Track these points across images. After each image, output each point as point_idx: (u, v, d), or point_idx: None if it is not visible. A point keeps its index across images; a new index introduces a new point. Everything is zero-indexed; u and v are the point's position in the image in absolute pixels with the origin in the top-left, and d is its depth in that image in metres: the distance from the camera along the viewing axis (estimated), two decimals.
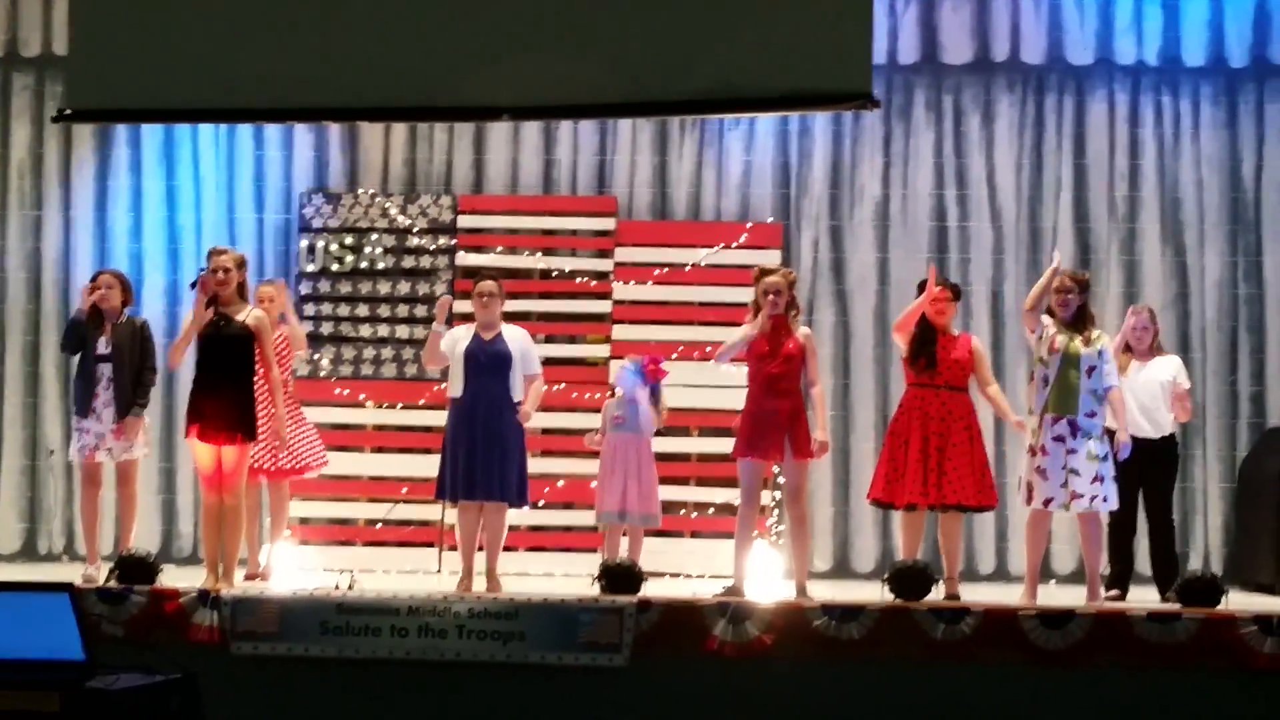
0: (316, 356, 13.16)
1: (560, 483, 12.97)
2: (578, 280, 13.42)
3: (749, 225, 13.39)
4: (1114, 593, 11.24)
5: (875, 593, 10.35)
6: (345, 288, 13.50)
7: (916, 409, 10.80)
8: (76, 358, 11.34)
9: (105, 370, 11.19)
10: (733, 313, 12.50)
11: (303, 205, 13.59)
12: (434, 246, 13.48)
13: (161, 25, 11.42)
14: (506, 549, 11.36)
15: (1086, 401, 10.49)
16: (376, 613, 10.05)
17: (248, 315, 10.77)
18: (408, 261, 13.49)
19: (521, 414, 10.87)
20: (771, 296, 10.73)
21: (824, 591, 10.83)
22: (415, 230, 13.48)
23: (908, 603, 10.08)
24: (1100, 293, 12.88)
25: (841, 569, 13.19)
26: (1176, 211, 13.35)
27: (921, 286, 11.01)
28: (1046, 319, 10.77)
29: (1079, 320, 10.64)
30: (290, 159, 13.78)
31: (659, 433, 11.60)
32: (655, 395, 11.42)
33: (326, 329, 13.44)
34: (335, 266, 13.49)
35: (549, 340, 13.13)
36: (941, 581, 10.57)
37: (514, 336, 11.06)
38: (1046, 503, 10.52)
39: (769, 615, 9.98)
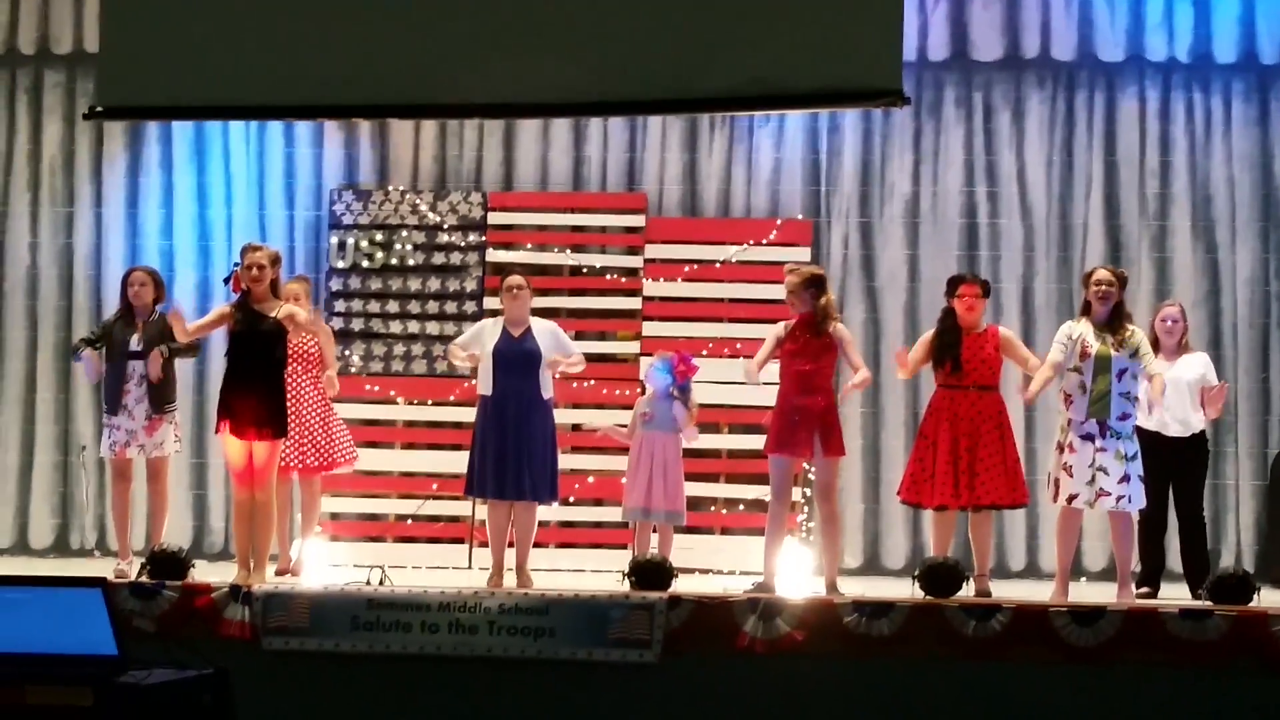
0: (347, 353, 13.18)
1: (590, 479, 12.98)
2: (608, 277, 13.43)
3: (779, 222, 13.38)
4: (1145, 590, 11.22)
5: (906, 589, 10.35)
6: (375, 284, 13.52)
7: (945, 409, 10.77)
8: (106, 354, 11.39)
9: (137, 367, 11.25)
10: (763, 309, 12.55)
11: (333, 202, 13.62)
12: (464, 243, 13.50)
13: (192, 22, 11.43)
14: (537, 545, 11.39)
15: (1118, 404, 10.47)
16: (407, 608, 10.06)
17: (279, 312, 10.80)
18: (438, 258, 13.51)
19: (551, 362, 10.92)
20: (790, 297, 10.78)
21: (854, 588, 10.82)
22: (445, 227, 13.50)
23: (938, 599, 10.07)
24: (1131, 290, 12.80)
25: (872, 565, 13.17)
26: (1208, 208, 13.31)
27: (952, 287, 10.98)
28: (1073, 324, 10.74)
29: (1114, 319, 10.61)
30: (321, 156, 13.81)
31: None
32: (685, 393, 11.41)
33: (357, 325, 13.47)
34: (365, 263, 13.51)
35: (579, 337, 13.13)
36: (972, 578, 10.55)
37: (542, 330, 11.08)
38: (1071, 499, 10.50)
39: (799, 612, 9.97)
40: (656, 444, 11.30)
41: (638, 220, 13.51)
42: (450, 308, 13.44)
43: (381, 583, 10.48)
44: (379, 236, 13.53)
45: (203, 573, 10.81)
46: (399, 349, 13.45)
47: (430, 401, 13.34)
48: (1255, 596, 10.09)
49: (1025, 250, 13.36)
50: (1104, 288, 10.63)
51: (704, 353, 12.58)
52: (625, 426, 11.59)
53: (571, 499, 12.75)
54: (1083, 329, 10.63)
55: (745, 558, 12.14)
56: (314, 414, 11.61)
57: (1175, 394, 11.22)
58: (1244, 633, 9.72)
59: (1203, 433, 11.41)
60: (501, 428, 10.85)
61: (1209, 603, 10.09)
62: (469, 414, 11.44)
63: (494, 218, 13.54)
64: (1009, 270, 13.30)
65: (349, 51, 11.18)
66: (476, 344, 11.07)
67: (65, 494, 13.74)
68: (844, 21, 10.81)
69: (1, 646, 7.33)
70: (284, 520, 11.62)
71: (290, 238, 13.70)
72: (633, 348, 13.28)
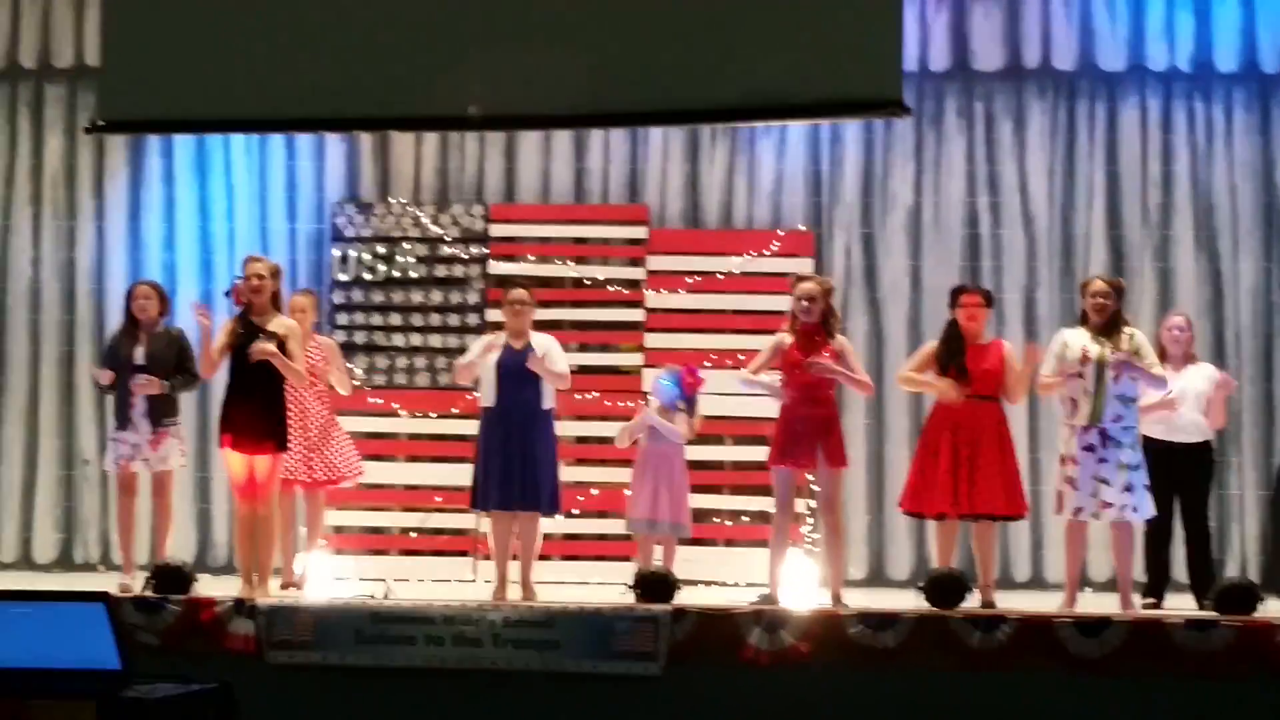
0: (349, 366, 13.14)
1: (594, 491, 12.95)
2: (610, 289, 13.42)
3: (781, 233, 13.37)
4: (1151, 600, 11.20)
5: (910, 601, 10.34)
6: (378, 297, 13.51)
7: (946, 419, 10.76)
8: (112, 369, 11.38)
9: (141, 381, 11.23)
10: (765, 320, 12.49)
11: (335, 215, 13.62)
12: (466, 256, 13.48)
13: (193, 36, 11.41)
14: (541, 557, 11.38)
15: (1113, 407, 10.47)
16: (411, 621, 10.07)
17: (279, 325, 10.79)
18: (440, 271, 13.50)
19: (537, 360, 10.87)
20: (805, 304, 10.74)
21: (859, 599, 10.82)
22: (447, 239, 13.49)
23: (943, 611, 10.07)
24: (1134, 300, 12.83)
25: (876, 577, 13.14)
26: (1210, 218, 13.29)
27: (954, 297, 10.96)
28: (1067, 331, 10.73)
29: (1111, 326, 10.61)
30: (322, 169, 13.80)
31: (692, 442, 11.59)
32: (691, 405, 11.41)
33: (359, 339, 13.46)
34: (368, 276, 13.50)
35: (582, 349, 13.14)
36: (976, 589, 10.54)
37: (541, 344, 11.08)
38: (1076, 512, 10.50)
39: (804, 623, 9.98)
40: (662, 456, 11.29)
41: (640, 232, 13.50)
42: (453, 320, 13.44)
43: (385, 596, 10.48)
44: (381, 249, 13.52)
45: (206, 587, 10.81)
46: (401, 362, 13.44)
47: (433, 414, 13.33)
48: (1260, 606, 10.08)
49: (1028, 260, 13.34)
50: (1099, 300, 10.65)
51: (707, 364, 12.56)
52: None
53: (576, 511, 12.73)
54: (1079, 338, 10.62)
55: (749, 570, 12.12)
56: (319, 428, 11.61)
57: (1183, 404, 11.22)
58: (1249, 643, 9.73)
59: (1208, 443, 11.40)
60: (505, 439, 10.86)
61: (1214, 613, 10.09)
62: (472, 426, 11.43)
63: (496, 230, 13.53)
64: (1011, 280, 13.28)
65: (350, 64, 11.16)
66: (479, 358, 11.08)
67: (69, 508, 13.73)
68: (844, 32, 10.79)
69: (5, 661, 7.32)
70: (288, 534, 11.61)
71: (292, 251, 13.69)
72: (636, 360, 13.27)
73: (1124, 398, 10.51)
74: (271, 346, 10.69)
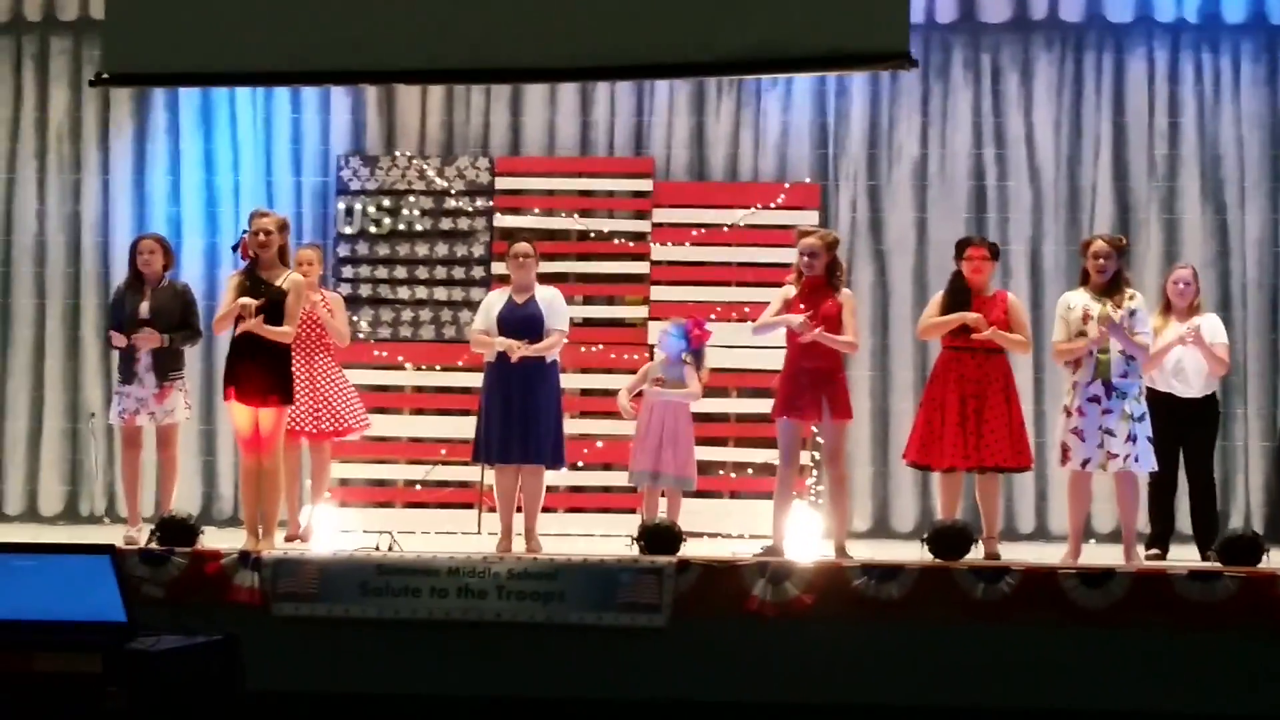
0: (355, 319, 13.14)
1: (599, 443, 12.97)
2: (615, 241, 13.41)
3: (787, 186, 13.35)
4: (1154, 551, 11.21)
5: (915, 552, 10.34)
6: (383, 250, 13.51)
7: (953, 372, 10.74)
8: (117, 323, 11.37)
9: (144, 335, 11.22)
10: (771, 273, 12.49)
11: (340, 168, 13.61)
12: (472, 208, 13.48)
13: None
14: (545, 510, 11.38)
15: (1119, 363, 10.45)
16: (416, 574, 10.07)
17: (285, 279, 10.79)
18: (445, 223, 13.49)
19: (504, 342, 10.85)
20: (806, 258, 10.73)
21: (863, 551, 10.83)
22: (453, 192, 13.48)
23: (947, 562, 10.07)
24: (1140, 251, 12.86)
25: (881, 529, 13.17)
26: (1217, 169, 13.26)
27: (959, 250, 10.94)
28: (1070, 295, 10.71)
29: (1113, 285, 10.58)
30: (327, 122, 13.78)
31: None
32: (698, 358, 11.40)
33: (365, 291, 13.46)
34: (373, 229, 13.50)
35: (587, 301, 13.14)
36: (981, 541, 10.55)
37: (545, 297, 11.06)
38: (1084, 464, 10.48)
39: (808, 575, 9.98)
40: (667, 409, 11.28)
41: (645, 184, 13.49)
42: (458, 273, 13.44)
43: (390, 548, 10.50)
44: (386, 202, 13.52)
45: (212, 539, 10.82)
46: (407, 314, 13.44)
47: (438, 367, 13.34)
48: (1264, 558, 10.08)
49: (1034, 212, 13.32)
50: (1102, 260, 10.60)
51: (712, 317, 12.53)
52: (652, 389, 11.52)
53: (580, 464, 12.75)
54: (1081, 298, 10.60)
55: (754, 522, 12.14)
56: (326, 379, 11.62)
57: (1189, 355, 11.20)
58: (1253, 594, 9.72)
59: (1213, 394, 11.39)
60: (507, 393, 10.86)
61: (1218, 564, 10.09)
62: (477, 379, 11.44)
63: (501, 183, 13.52)
64: (1017, 232, 13.27)
65: (355, 17, 11.15)
66: (487, 319, 11.07)
67: (74, 461, 13.74)
68: None
69: (10, 614, 7.35)
70: (294, 486, 11.63)
71: (298, 204, 13.69)
72: (640, 312, 13.27)
73: (1126, 353, 10.49)
74: (254, 322, 10.63)
